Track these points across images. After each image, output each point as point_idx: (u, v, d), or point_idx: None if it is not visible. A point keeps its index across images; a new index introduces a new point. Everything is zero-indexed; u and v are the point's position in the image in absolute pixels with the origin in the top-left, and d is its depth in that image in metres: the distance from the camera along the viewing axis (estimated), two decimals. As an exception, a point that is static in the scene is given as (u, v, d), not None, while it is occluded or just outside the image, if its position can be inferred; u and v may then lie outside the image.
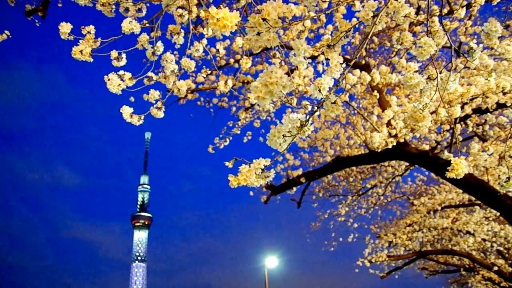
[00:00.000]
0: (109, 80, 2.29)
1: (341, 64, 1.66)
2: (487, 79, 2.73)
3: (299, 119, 1.56)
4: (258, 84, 1.47)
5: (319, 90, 1.57)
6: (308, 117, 1.56)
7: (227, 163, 1.56)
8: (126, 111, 2.44)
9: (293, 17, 1.60)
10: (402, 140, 4.03)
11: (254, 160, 1.55)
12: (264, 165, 1.53)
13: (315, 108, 1.64)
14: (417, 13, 5.83)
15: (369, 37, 1.72)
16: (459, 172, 1.76)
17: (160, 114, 2.59)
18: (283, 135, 1.57)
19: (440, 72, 1.77)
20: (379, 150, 3.44)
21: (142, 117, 2.50)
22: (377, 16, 1.62)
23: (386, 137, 3.59)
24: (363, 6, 1.70)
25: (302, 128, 1.55)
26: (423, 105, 1.69)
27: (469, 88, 2.33)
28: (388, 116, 3.51)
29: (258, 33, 1.51)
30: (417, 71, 1.69)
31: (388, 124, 4.74)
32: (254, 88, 1.49)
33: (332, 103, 1.64)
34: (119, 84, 2.32)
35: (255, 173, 1.51)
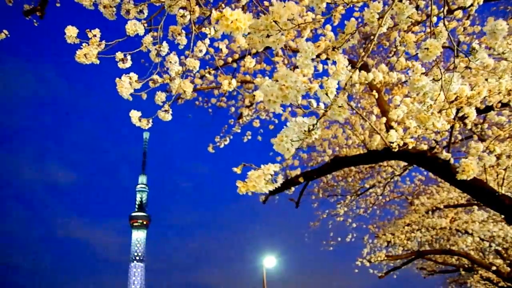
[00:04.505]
0: (119, 83, 2.24)
1: (346, 66, 1.63)
2: (498, 81, 2.70)
3: (307, 123, 1.50)
4: (271, 87, 1.43)
5: (326, 94, 1.53)
6: (316, 121, 1.50)
7: (235, 169, 1.51)
8: (135, 115, 2.40)
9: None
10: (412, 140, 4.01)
11: (262, 166, 1.50)
12: (273, 170, 1.48)
13: (322, 112, 1.60)
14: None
15: (374, 39, 1.70)
16: (470, 174, 1.77)
17: (168, 117, 2.52)
18: (290, 140, 1.50)
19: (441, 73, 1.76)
20: (395, 150, 3.39)
21: (150, 120, 2.45)
22: (383, 18, 1.60)
23: (401, 136, 3.54)
24: (365, 5, 1.69)
25: (310, 132, 1.49)
26: (427, 106, 1.68)
27: (481, 89, 2.31)
28: (397, 115, 3.46)
29: (268, 36, 1.48)
30: (423, 73, 1.68)
31: (388, 124, 4.72)
32: (265, 91, 1.45)
33: (339, 106, 1.59)
34: (128, 88, 2.27)
35: (264, 179, 1.46)
